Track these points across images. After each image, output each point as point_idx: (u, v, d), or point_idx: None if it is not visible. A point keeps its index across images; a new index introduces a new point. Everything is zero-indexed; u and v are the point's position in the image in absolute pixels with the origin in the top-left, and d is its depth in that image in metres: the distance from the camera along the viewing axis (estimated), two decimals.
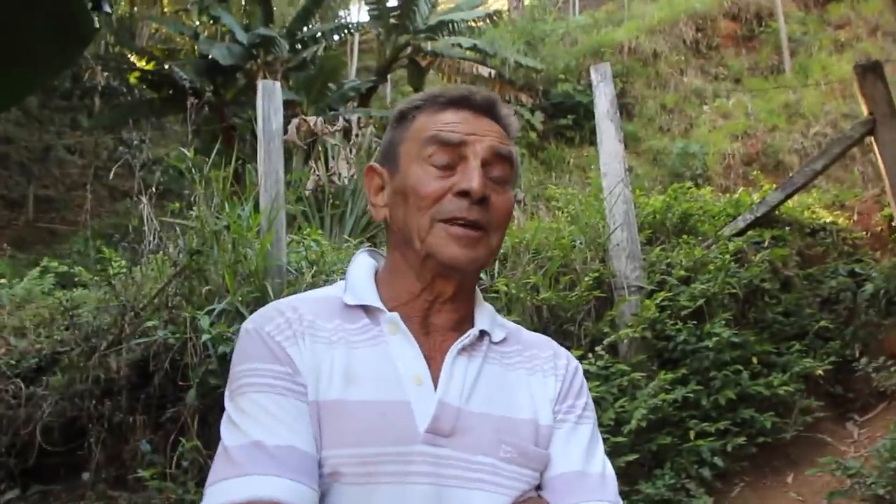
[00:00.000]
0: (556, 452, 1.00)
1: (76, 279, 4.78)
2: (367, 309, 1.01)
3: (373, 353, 0.97)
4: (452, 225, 0.97)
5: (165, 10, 15.12)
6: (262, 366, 0.94)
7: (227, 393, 0.95)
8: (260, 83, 4.04)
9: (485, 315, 1.07)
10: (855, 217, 5.43)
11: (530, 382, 1.05)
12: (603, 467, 1.02)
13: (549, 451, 1.00)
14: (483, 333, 1.04)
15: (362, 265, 1.08)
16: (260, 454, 0.87)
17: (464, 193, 0.96)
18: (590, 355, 3.54)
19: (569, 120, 10.97)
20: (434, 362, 0.99)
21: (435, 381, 0.97)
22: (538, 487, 1.00)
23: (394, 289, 1.03)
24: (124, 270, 4.21)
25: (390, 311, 1.01)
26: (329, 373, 0.94)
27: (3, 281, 5.20)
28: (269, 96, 3.93)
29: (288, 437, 0.88)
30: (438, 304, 1.02)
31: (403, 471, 0.90)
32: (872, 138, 4.97)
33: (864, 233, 5.21)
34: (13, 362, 3.90)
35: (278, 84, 4.06)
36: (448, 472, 0.92)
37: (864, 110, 5.03)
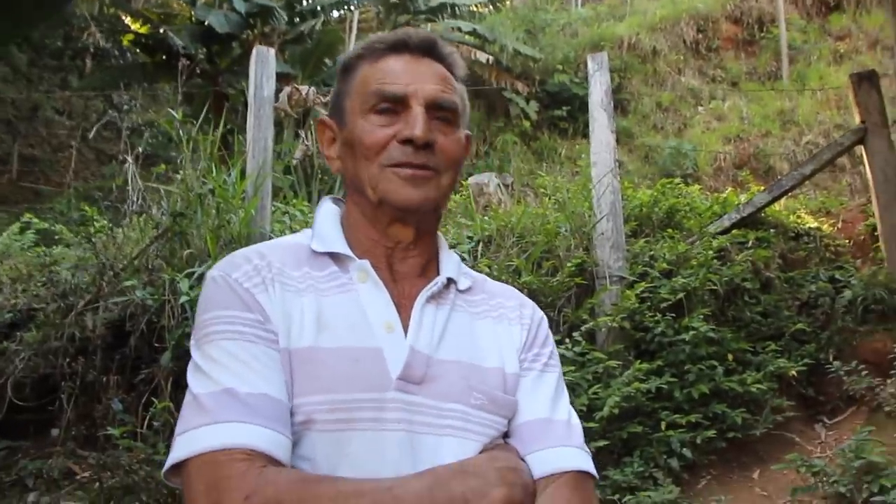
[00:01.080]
0: (522, 400, 1.01)
1: (56, 237, 4.74)
2: (334, 256, 1.01)
3: (343, 301, 0.96)
4: (401, 168, 0.97)
5: None
6: (231, 313, 0.92)
7: (193, 341, 0.94)
8: (254, 49, 4.00)
9: (451, 263, 1.07)
10: (839, 225, 5.47)
11: (497, 331, 1.05)
12: (569, 415, 1.02)
13: (517, 399, 1.01)
14: (450, 281, 1.04)
15: (328, 212, 1.07)
16: (232, 401, 0.85)
17: (408, 140, 0.97)
18: (567, 341, 3.55)
19: (563, 111, 10.94)
20: (403, 309, 0.98)
21: (405, 328, 0.97)
22: (505, 435, 1.00)
23: (356, 236, 1.03)
24: (106, 230, 4.18)
25: (359, 258, 1.00)
26: (300, 320, 0.93)
27: None
28: (263, 62, 3.89)
29: (260, 385, 0.87)
30: (400, 251, 1.02)
31: (377, 417, 0.90)
32: (863, 147, 4.99)
33: (847, 241, 5.26)
34: None
35: (272, 50, 4.02)
36: (419, 419, 0.92)
37: (857, 119, 5.05)
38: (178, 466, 0.85)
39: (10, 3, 0.59)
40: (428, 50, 1.03)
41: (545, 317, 1.12)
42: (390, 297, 0.98)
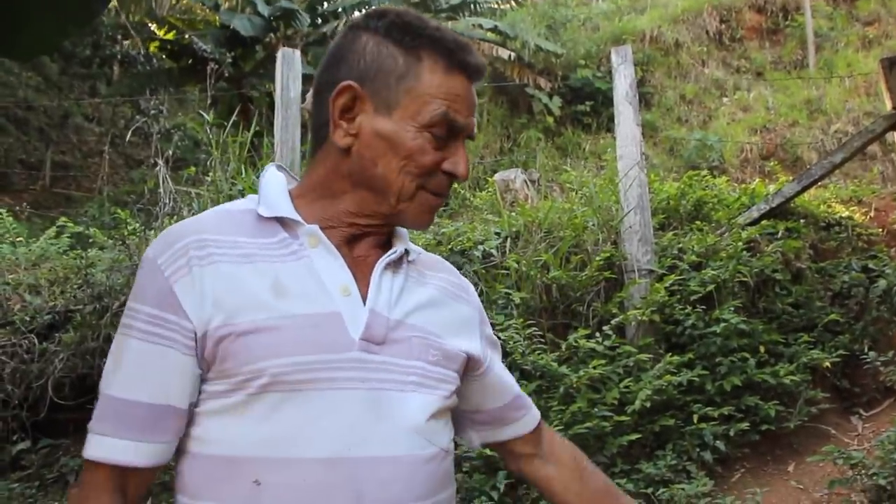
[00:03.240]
0: (498, 381, 1.17)
1: (90, 240, 4.83)
2: (283, 222, 1.00)
3: (297, 268, 0.96)
4: (433, 196, 1.01)
5: None
6: (139, 306, 0.93)
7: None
8: (280, 51, 4.04)
9: (402, 236, 1.09)
10: (871, 213, 5.38)
11: (445, 301, 1.10)
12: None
13: (490, 378, 1.15)
14: (406, 252, 1.08)
15: (274, 179, 1.04)
16: (108, 411, 0.92)
17: (451, 174, 1.01)
18: (597, 335, 3.54)
19: (586, 106, 10.86)
20: (358, 273, 1.00)
21: (360, 291, 0.98)
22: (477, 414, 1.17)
23: (318, 209, 1.02)
24: (138, 233, 4.25)
25: (308, 223, 1.00)
26: (254, 290, 0.93)
27: (20, 240, 5.26)
28: (289, 64, 3.93)
29: (138, 390, 0.91)
30: (362, 238, 1.05)
31: (341, 377, 0.92)
32: (895, 134, 4.90)
33: (881, 230, 5.17)
34: (28, 318, 3.96)
35: (297, 52, 4.05)
36: (383, 377, 0.95)
37: (888, 104, 4.95)
38: None
39: (55, 8, 0.61)
40: (479, 77, 1.03)
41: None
42: (343, 261, 0.99)
